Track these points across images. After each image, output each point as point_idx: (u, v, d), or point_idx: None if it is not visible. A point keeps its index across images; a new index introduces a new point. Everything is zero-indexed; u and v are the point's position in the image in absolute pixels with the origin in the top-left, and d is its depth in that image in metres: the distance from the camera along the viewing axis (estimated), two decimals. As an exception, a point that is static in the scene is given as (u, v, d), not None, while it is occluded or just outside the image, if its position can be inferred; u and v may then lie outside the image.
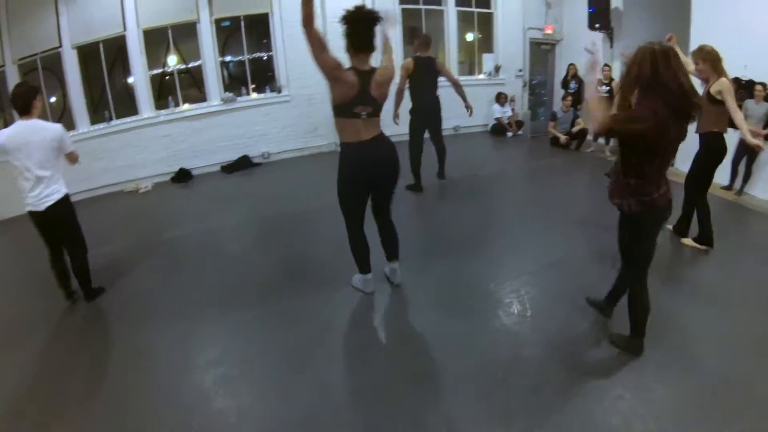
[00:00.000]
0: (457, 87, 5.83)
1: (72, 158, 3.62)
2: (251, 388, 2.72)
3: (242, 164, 7.82)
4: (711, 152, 3.97)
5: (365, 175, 3.21)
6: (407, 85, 5.65)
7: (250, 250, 4.73)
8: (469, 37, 9.73)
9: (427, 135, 5.94)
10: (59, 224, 3.58)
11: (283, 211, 5.67)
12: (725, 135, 3.96)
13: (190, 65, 7.81)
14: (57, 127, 3.48)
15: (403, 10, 8.67)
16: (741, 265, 3.96)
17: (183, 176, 7.51)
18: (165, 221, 5.74)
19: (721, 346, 2.88)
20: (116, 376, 2.89)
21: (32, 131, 3.36)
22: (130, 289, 4.02)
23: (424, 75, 5.58)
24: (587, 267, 3.99)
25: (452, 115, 7.29)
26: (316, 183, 6.80)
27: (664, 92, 2.26)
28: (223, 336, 3.26)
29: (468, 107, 5.92)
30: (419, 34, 5.97)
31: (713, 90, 3.80)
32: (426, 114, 5.78)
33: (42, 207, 3.44)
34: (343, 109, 3.04)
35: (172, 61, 7.73)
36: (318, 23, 2.81)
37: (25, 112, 3.37)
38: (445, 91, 5.92)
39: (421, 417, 2.44)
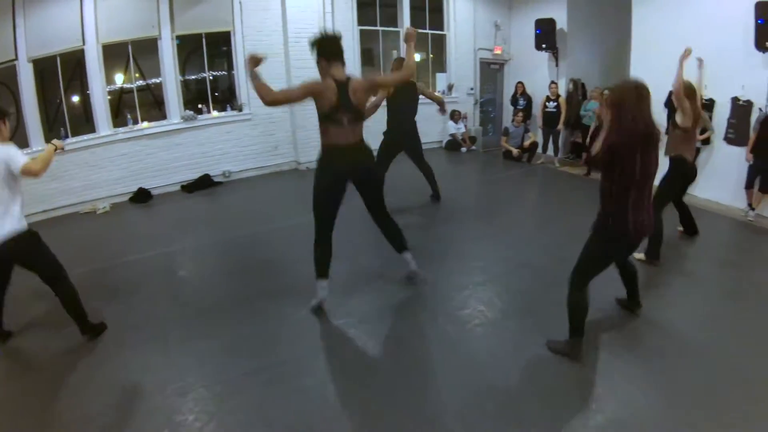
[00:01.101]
0: (441, 105, 6.15)
1: (31, 172, 2.99)
2: (244, 408, 2.71)
3: (203, 183, 7.74)
4: (675, 175, 4.28)
5: (341, 176, 3.37)
6: (385, 106, 5.69)
7: (216, 272, 4.72)
8: (417, 57, 10.03)
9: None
10: (14, 261, 3.22)
11: (246, 232, 5.62)
12: (690, 159, 4.27)
13: (149, 82, 7.70)
14: (4, 150, 2.99)
15: (361, 32, 8.91)
16: (696, 265, 4.39)
17: (142, 196, 7.34)
18: (124, 244, 5.54)
19: (688, 340, 3.20)
20: (103, 403, 2.78)
21: None
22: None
23: (402, 98, 5.59)
24: (553, 265, 4.27)
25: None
26: (278, 202, 6.88)
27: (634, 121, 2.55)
28: (203, 358, 3.20)
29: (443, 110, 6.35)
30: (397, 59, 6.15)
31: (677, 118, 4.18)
32: (399, 138, 5.82)
33: None
34: (327, 117, 3.26)
35: (120, 79, 7.57)
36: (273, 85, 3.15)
37: None
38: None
39: (432, 416, 2.56)
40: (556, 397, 2.63)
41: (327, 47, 3.29)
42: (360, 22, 8.91)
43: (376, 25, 9.18)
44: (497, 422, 2.47)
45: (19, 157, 2.99)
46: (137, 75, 7.64)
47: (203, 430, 2.51)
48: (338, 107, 3.21)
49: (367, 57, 9.28)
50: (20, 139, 7.11)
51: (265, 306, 3.81)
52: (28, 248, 3.17)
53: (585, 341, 3.01)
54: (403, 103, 5.68)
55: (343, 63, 3.33)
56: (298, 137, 8.34)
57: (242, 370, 3.02)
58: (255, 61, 3.19)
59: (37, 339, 3.53)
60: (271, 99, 3.12)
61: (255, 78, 3.12)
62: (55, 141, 3.28)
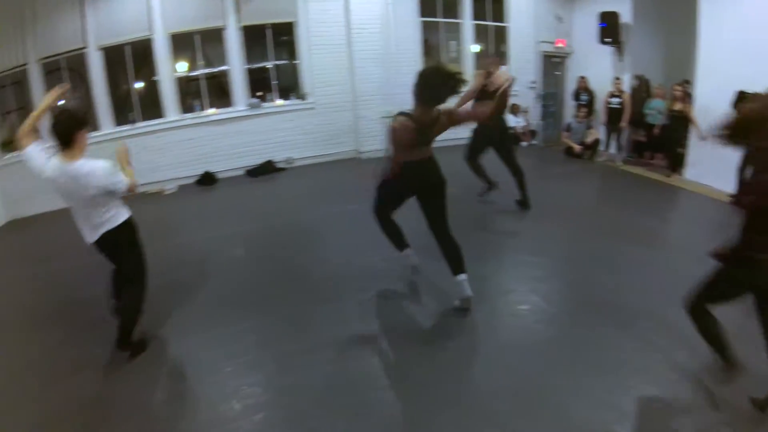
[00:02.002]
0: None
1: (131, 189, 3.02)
2: (306, 384, 2.82)
3: (266, 169, 7.89)
4: None
5: (405, 188, 3.41)
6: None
7: (274, 254, 4.83)
8: (475, 48, 9.87)
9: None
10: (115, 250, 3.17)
11: (305, 216, 5.85)
12: None
13: (216, 70, 7.85)
14: (100, 174, 2.85)
15: (423, 23, 8.86)
16: None
17: (208, 179, 7.57)
18: (186, 225, 5.88)
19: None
20: (169, 375, 2.97)
21: (73, 180, 2.86)
22: (157, 297, 3.68)
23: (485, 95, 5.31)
24: (607, 265, 4.24)
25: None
26: (337, 189, 6.96)
27: None
28: (263, 336, 3.34)
29: None
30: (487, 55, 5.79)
31: None
32: (488, 134, 5.52)
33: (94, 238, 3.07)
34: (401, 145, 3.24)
35: (182, 67, 7.83)
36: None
37: (66, 146, 2.87)
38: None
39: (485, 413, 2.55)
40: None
41: (429, 93, 3.07)
42: (422, 13, 8.83)
43: (436, 17, 9.10)
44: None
45: (119, 181, 2.90)
46: (203, 63, 7.79)
47: (269, 403, 2.67)
48: (414, 143, 3.16)
49: (427, 48, 9.20)
50: (91, 122, 7.39)
51: (324, 287, 3.93)
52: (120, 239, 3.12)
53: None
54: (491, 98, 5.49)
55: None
56: (359, 126, 8.39)
57: (302, 347, 3.14)
58: None
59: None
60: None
61: None
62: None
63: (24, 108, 7.71)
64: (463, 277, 3.43)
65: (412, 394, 2.70)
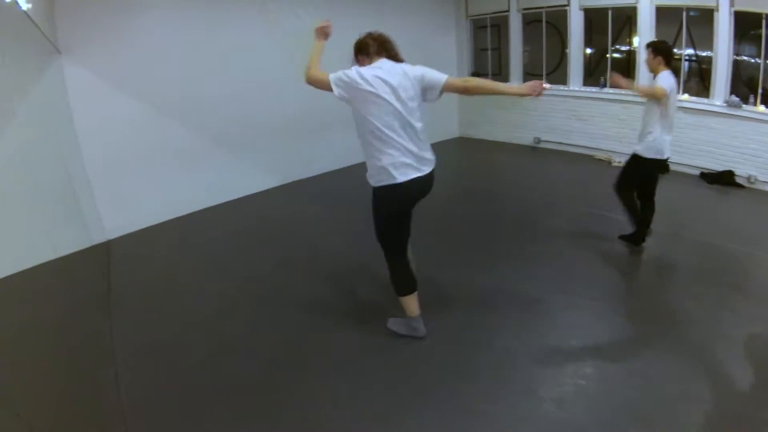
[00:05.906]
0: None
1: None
2: None
3: (724, 179, 6.55)
4: None
5: None
6: None
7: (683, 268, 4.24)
8: None
9: None
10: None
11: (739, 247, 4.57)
12: None
13: (699, 54, 6.98)
14: None
15: None
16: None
17: (663, 167, 6.62)
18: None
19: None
20: None
21: None
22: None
23: None
24: None
25: None
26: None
27: None
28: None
29: None
30: None
31: None
32: None
33: None
34: None
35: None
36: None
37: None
38: None
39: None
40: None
41: None
42: None
43: None
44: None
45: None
46: (686, 43, 7.02)
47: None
48: None
49: None
50: (561, 76, 7.20)
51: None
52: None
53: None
54: None
55: None
56: None
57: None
58: None
59: None
60: None
61: None
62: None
63: (497, 49, 8.01)
64: None
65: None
